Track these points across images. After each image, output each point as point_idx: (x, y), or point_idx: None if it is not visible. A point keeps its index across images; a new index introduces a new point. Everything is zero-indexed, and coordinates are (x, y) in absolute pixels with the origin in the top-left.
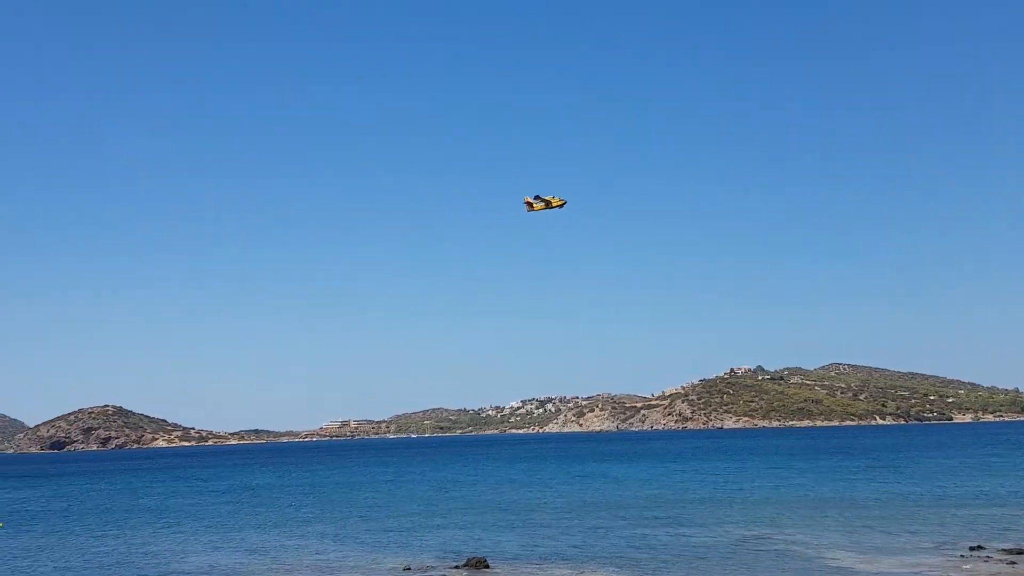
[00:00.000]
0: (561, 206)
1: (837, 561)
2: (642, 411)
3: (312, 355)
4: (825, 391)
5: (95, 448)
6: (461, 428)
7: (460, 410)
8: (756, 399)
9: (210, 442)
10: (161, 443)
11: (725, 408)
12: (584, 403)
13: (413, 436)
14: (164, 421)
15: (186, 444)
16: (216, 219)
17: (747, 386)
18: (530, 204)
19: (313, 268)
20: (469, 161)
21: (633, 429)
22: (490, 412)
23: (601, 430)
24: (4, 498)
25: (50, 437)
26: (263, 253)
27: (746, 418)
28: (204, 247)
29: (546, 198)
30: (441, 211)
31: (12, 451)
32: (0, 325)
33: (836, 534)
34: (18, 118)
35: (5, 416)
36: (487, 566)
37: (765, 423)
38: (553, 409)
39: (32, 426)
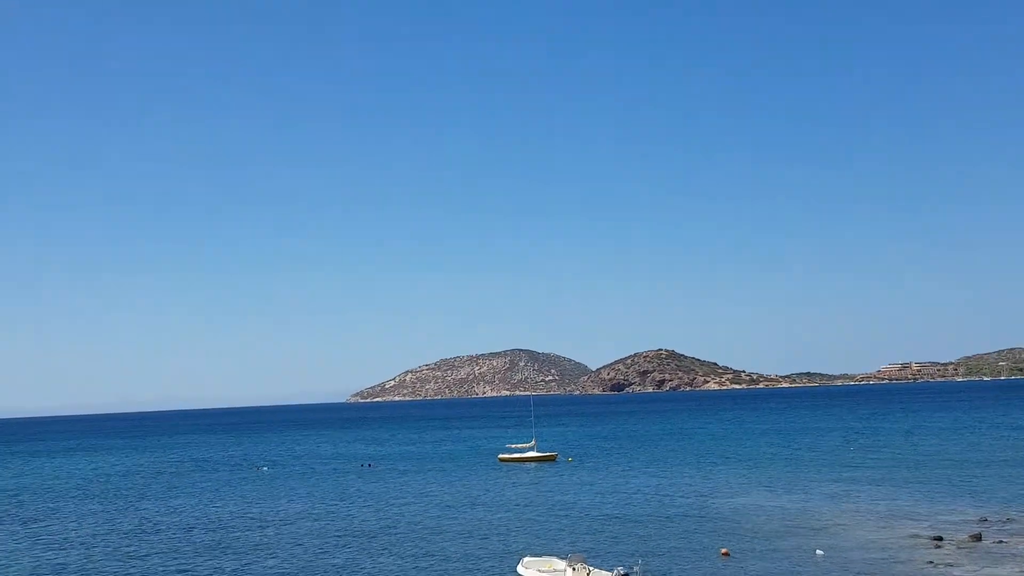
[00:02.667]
0: None
1: None
2: None
3: (867, 292)
4: None
5: (650, 390)
6: None
7: None
8: None
9: (761, 385)
10: (712, 385)
11: None
12: None
13: (985, 379)
14: (715, 364)
15: (736, 387)
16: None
17: None
18: None
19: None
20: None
21: None
22: None
23: None
24: (574, 434)
25: (610, 379)
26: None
27: None
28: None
29: None
30: None
31: (578, 392)
32: (562, 283)
33: None
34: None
35: (572, 360)
36: None
37: None
38: None
39: (595, 369)
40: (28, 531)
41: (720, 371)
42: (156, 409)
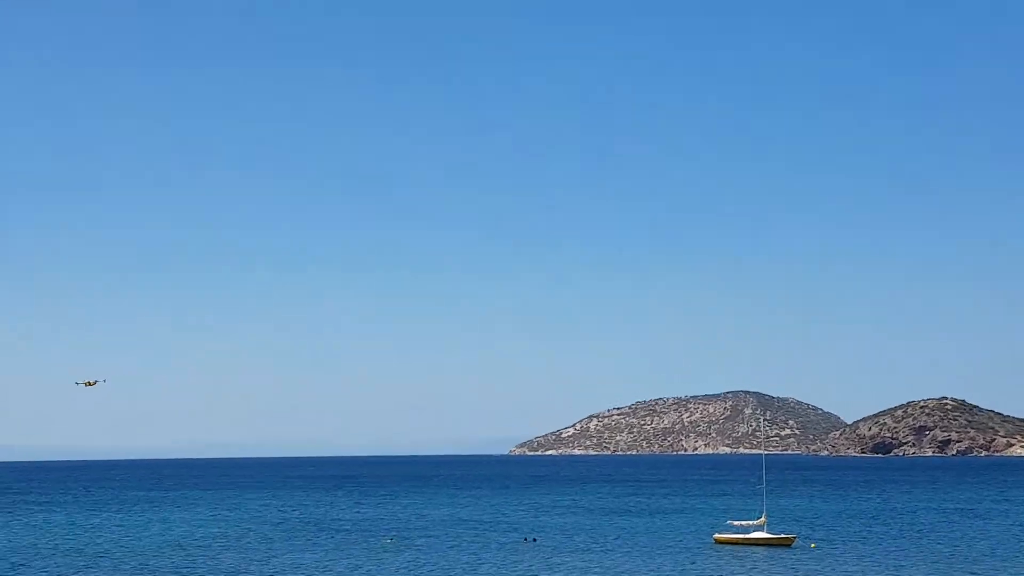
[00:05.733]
0: None
1: None
2: None
3: None
4: None
5: (929, 453)
6: None
7: None
8: None
9: None
10: (1019, 450)
11: None
12: None
13: None
14: (1023, 421)
15: None
16: None
17: None
18: None
19: None
20: None
21: None
22: None
23: None
24: (820, 510)
25: (872, 437)
26: None
27: None
28: None
29: None
30: None
31: (827, 453)
32: (807, 308)
33: None
34: None
35: (818, 409)
36: None
37: None
38: None
39: (850, 423)
40: None
41: None
42: (290, 455)
